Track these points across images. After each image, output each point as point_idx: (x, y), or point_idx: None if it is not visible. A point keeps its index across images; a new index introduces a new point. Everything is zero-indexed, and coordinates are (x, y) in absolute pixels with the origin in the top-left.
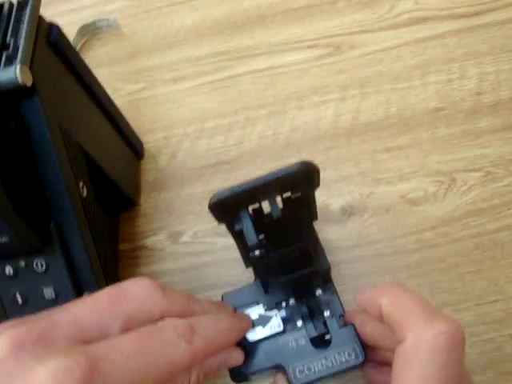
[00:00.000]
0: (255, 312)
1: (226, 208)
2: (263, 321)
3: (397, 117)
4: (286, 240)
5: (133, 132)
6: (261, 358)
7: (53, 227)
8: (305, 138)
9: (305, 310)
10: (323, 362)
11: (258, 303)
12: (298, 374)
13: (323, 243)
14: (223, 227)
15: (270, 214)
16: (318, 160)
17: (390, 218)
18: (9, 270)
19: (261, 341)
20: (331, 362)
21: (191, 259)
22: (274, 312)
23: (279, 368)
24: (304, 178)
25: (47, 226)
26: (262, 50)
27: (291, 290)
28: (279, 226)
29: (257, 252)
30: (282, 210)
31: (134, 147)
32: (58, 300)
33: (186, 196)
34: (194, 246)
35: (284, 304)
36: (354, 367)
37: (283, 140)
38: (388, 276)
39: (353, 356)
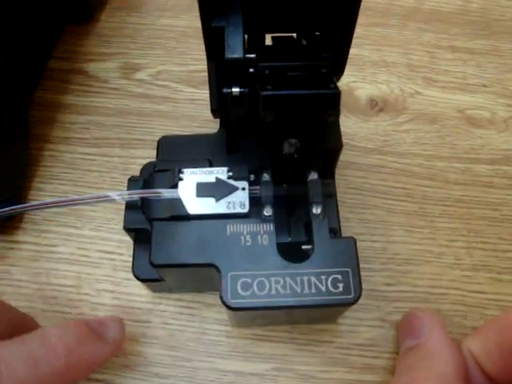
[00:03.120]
0: (212, 175)
1: None
2: (220, 191)
3: (477, 14)
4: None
5: None
6: (189, 248)
7: None
8: None
9: (283, 193)
10: (289, 283)
11: (211, 164)
12: (239, 289)
13: None
14: (196, 79)
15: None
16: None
17: (434, 131)
18: None
19: (201, 219)
20: (301, 285)
21: (140, 102)
22: (241, 184)
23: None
24: None
25: None
26: None
27: (269, 158)
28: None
29: (235, 90)
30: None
31: None
32: None
33: (163, 26)
34: (149, 88)
35: (253, 177)
36: (338, 305)
37: None
38: (408, 203)
39: (340, 288)
